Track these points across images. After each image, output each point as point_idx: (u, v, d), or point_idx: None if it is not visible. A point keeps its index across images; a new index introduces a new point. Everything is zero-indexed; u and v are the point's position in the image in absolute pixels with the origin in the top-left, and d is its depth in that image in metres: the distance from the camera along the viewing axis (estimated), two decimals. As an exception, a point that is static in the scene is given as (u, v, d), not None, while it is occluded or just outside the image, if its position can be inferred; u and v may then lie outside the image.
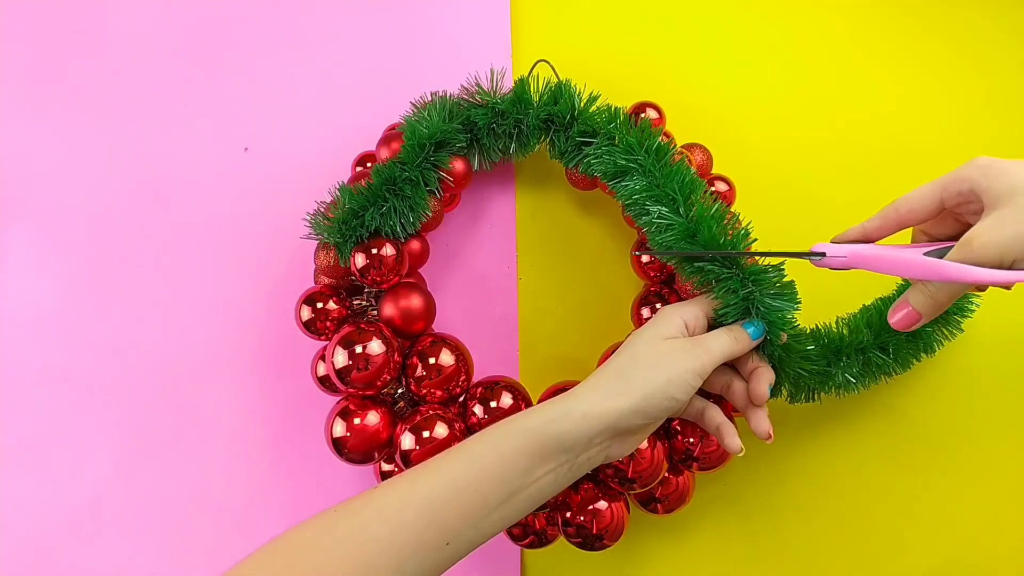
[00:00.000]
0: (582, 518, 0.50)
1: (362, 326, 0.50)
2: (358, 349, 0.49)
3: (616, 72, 0.61)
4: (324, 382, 0.53)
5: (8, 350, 0.60)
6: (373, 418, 0.50)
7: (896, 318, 0.46)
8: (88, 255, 0.61)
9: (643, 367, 0.42)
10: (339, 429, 0.50)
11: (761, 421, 0.45)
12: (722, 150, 0.58)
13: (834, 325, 0.52)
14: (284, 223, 0.59)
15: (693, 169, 0.50)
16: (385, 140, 0.55)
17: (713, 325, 0.47)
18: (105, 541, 0.59)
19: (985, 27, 0.61)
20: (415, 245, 0.55)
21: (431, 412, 0.50)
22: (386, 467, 0.53)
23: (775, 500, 0.58)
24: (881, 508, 0.58)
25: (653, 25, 0.62)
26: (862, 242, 0.46)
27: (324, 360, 0.52)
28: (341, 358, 0.49)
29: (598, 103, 0.54)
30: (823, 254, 0.45)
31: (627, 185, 0.50)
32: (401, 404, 0.53)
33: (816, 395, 0.51)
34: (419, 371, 0.51)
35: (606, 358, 0.53)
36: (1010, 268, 0.39)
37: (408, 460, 0.49)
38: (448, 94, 0.54)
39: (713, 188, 0.55)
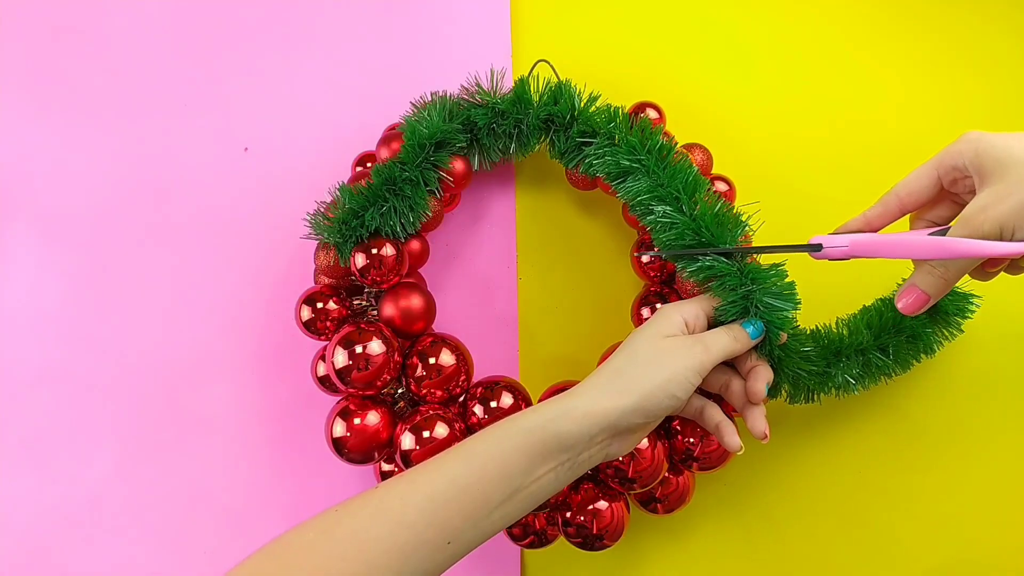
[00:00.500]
0: (582, 518, 0.50)
1: (362, 326, 0.50)
2: (358, 349, 0.49)
3: (616, 72, 0.61)
4: (324, 382, 0.53)
5: (8, 350, 0.60)
6: (373, 418, 0.50)
7: (904, 302, 0.45)
8: (88, 255, 0.61)
9: (643, 365, 0.42)
10: (339, 429, 0.50)
11: (757, 420, 0.45)
12: (722, 150, 0.58)
13: (834, 326, 0.52)
14: (284, 223, 0.59)
15: (696, 167, 0.50)
16: (385, 140, 0.55)
17: (713, 324, 0.47)
18: (105, 541, 0.59)
19: (985, 27, 0.61)
20: (415, 245, 0.55)
21: (431, 412, 0.50)
22: (386, 467, 0.53)
23: (775, 500, 0.58)
24: (881, 508, 0.58)
25: (653, 25, 0.62)
26: (864, 232, 0.46)
27: (324, 360, 0.52)
28: (341, 358, 0.49)
29: (598, 103, 0.54)
30: (820, 246, 0.45)
31: (631, 187, 0.50)
32: (401, 404, 0.53)
33: (816, 396, 0.51)
34: (419, 371, 0.51)
35: (606, 358, 0.53)
36: (1011, 240, 0.40)
37: (408, 460, 0.49)
38: (448, 94, 0.54)
39: (713, 188, 0.55)
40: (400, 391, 0.53)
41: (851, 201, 0.58)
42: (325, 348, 0.52)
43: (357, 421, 0.50)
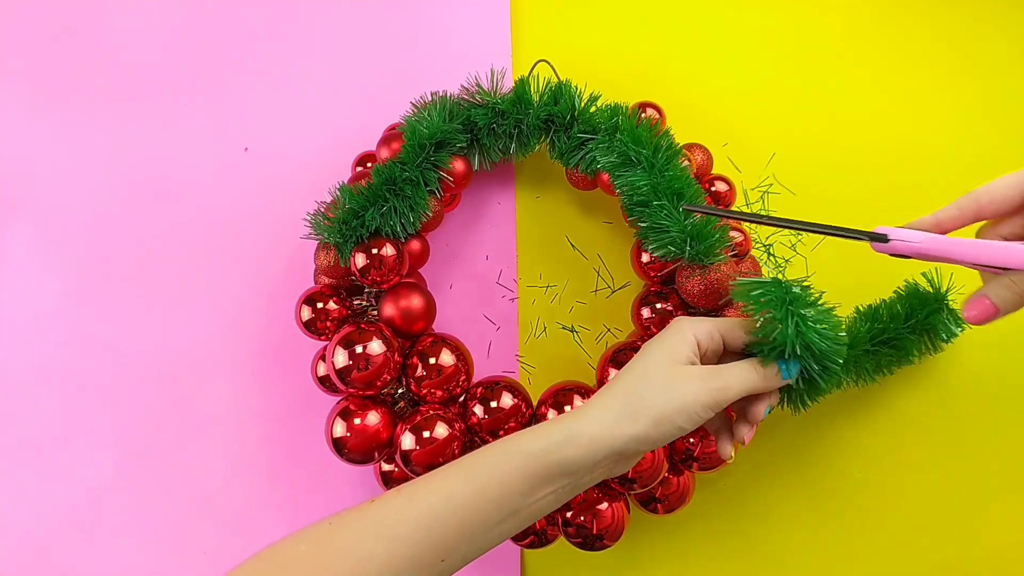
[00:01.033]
0: (582, 518, 0.50)
1: (362, 326, 0.50)
2: (358, 349, 0.49)
3: (616, 72, 0.61)
4: (324, 382, 0.53)
5: (8, 350, 0.60)
6: (373, 418, 0.50)
7: (972, 312, 0.43)
8: (88, 255, 0.61)
9: (655, 391, 0.40)
10: (339, 429, 0.50)
11: (743, 433, 0.44)
12: (722, 150, 0.58)
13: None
14: (284, 223, 0.59)
15: (691, 171, 0.50)
16: (385, 140, 0.55)
17: (733, 350, 0.44)
18: (105, 541, 0.59)
19: (984, 28, 0.61)
20: (415, 245, 0.55)
21: (431, 412, 0.50)
22: (386, 467, 0.53)
23: (775, 500, 0.58)
24: (882, 508, 0.58)
25: (653, 25, 0.62)
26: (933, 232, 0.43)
27: (324, 360, 0.52)
28: (341, 358, 0.49)
29: (598, 103, 0.54)
30: (885, 237, 0.41)
31: (631, 179, 0.50)
32: (401, 404, 0.53)
33: (805, 404, 0.50)
34: (419, 371, 0.51)
35: (606, 359, 0.53)
36: None
37: (408, 460, 0.49)
38: (448, 94, 0.54)
39: (713, 188, 0.55)
40: (400, 391, 0.53)
41: (851, 201, 0.59)
42: (325, 348, 0.52)
43: (357, 421, 0.50)
